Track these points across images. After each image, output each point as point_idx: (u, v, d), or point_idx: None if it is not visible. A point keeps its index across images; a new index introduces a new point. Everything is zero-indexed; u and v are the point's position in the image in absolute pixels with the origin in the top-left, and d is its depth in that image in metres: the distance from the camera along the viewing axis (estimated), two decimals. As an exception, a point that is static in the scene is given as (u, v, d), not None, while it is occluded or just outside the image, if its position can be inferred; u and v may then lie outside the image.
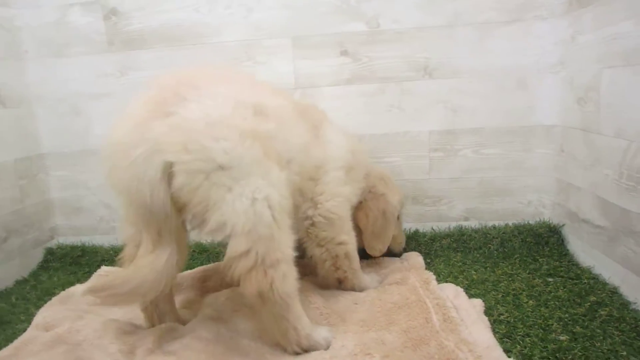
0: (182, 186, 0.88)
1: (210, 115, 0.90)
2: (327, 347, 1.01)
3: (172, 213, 0.92)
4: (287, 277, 0.95)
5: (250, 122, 0.94)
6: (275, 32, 1.58)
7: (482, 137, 1.58)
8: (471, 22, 1.52)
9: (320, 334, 1.02)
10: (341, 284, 1.28)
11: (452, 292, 1.16)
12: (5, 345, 1.19)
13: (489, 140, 1.58)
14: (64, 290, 1.49)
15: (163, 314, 1.13)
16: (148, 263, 0.94)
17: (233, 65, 1.60)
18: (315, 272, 1.30)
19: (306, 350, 1.00)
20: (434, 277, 1.26)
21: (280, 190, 0.95)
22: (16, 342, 1.12)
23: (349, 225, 1.26)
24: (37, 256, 1.71)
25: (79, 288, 1.39)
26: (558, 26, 1.47)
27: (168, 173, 0.89)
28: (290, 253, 0.97)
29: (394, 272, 1.34)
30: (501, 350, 0.92)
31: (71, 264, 1.69)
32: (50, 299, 1.44)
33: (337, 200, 1.22)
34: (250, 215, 0.90)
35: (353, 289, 1.28)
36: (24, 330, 1.26)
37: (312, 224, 1.21)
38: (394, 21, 1.54)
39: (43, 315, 1.24)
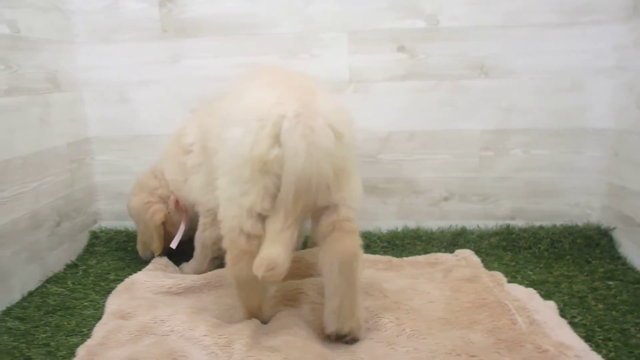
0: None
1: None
2: None
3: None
4: None
5: None
6: (332, 26, 1.56)
7: (533, 137, 1.59)
8: (528, 22, 1.51)
9: None
10: None
11: (526, 294, 1.18)
12: (79, 330, 1.21)
13: (539, 141, 1.58)
14: (116, 275, 1.50)
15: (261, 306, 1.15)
16: (288, 240, 0.99)
17: (287, 57, 1.56)
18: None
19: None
20: (504, 278, 1.25)
21: None
22: (100, 331, 1.13)
23: None
24: (83, 240, 1.70)
25: (140, 276, 1.39)
26: (617, 31, 1.47)
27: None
28: None
29: (456, 268, 1.36)
30: (598, 355, 0.91)
31: (117, 249, 1.70)
32: (106, 284, 1.46)
33: None
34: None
35: None
36: (94, 316, 1.28)
37: None
38: (453, 19, 1.52)
39: (116, 303, 1.25)
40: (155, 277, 1.40)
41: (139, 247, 1.60)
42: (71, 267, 1.59)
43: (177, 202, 1.50)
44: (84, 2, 1.61)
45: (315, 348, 1.04)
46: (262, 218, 1.02)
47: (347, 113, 1.06)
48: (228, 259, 1.07)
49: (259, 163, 0.97)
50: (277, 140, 0.96)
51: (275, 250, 0.97)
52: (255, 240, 1.03)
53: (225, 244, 1.08)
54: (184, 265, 1.51)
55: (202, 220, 1.44)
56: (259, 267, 0.96)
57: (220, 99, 1.26)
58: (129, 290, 1.33)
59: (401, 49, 1.56)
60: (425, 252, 1.56)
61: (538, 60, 1.53)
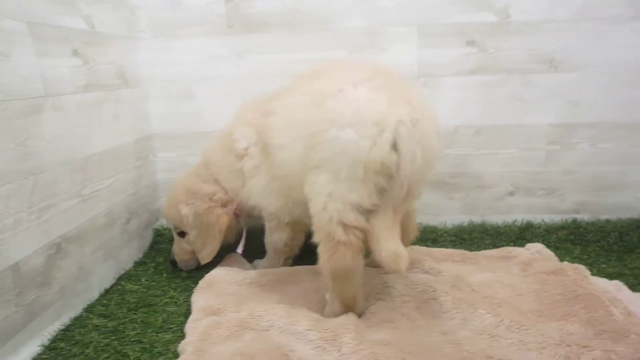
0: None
1: None
2: None
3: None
4: None
5: None
6: (401, 20, 1.56)
7: (600, 131, 1.60)
8: (598, 16, 1.52)
9: None
10: None
11: (612, 286, 1.17)
12: (168, 327, 1.21)
13: (606, 134, 1.60)
14: (188, 273, 1.49)
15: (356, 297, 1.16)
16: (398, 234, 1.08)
17: (355, 52, 1.55)
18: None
19: None
20: (587, 270, 1.26)
21: None
22: (196, 327, 1.12)
23: None
24: (148, 238, 1.69)
25: (220, 272, 1.38)
26: (689, 25, 1.45)
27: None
28: None
29: (535, 262, 1.36)
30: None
31: (182, 246, 1.67)
32: (181, 281, 1.46)
33: None
34: None
35: None
36: (177, 313, 1.28)
37: None
38: (523, 12, 1.53)
39: (203, 299, 1.25)
40: (234, 272, 1.40)
41: (180, 256, 1.52)
42: (140, 264, 1.58)
43: (235, 208, 1.48)
44: (150, -3, 1.60)
45: (423, 340, 1.05)
46: (364, 211, 1.06)
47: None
48: (322, 251, 1.09)
49: (375, 165, 1.02)
50: (393, 144, 1.02)
51: (398, 244, 1.05)
52: (355, 231, 1.07)
53: (318, 236, 1.10)
54: (258, 262, 1.51)
55: (267, 225, 1.44)
56: (392, 261, 1.03)
57: (270, 98, 1.30)
58: (212, 286, 1.33)
59: (470, 43, 1.56)
60: (494, 246, 1.56)
61: (607, 54, 1.53)
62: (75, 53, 1.27)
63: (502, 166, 1.64)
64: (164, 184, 1.77)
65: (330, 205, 1.07)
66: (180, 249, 1.52)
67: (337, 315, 1.15)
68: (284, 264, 1.45)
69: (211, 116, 1.68)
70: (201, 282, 1.34)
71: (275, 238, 1.43)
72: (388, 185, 1.04)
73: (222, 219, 1.45)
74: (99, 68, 1.39)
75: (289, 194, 1.28)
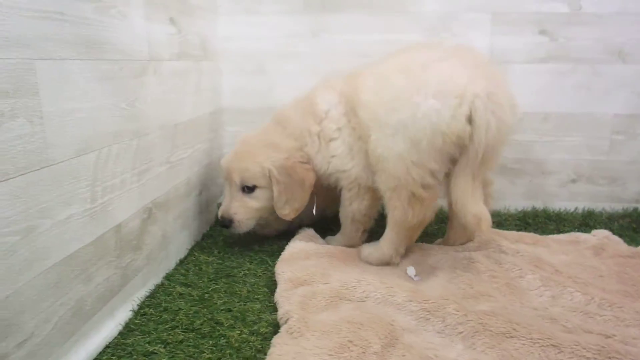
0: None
1: None
2: None
3: None
4: None
5: None
6: (476, 6, 1.58)
7: (665, 123, 1.61)
8: (670, 9, 1.53)
9: None
10: None
11: None
12: (254, 297, 1.21)
13: (671, 126, 1.61)
14: (260, 246, 1.50)
15: None
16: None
17: (430, 36, 1.56)
18: None
19: None
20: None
21: None
22: (290, 297, 1.12)
23: None
24: (213, 212, 1.68)
25: (299, 244, 1.39)
26: None
27: None
28: None
29: (608, 246, 1.39)
30: None
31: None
32: (254, 254, 1.46)
33: None
34: None
35: None
36: (258, 284, 1.28)
37: None
38: (596, 4, 1.56)
39: (289, 270, 1.25)
40: (313, 247, 1.40)
41: (241, 215, 1.41)
42: (208, 237, 1.58)
43: None
44: (230, -28, 1.59)
45: (523, 312, 1.06)
46: (438, 174, 1.21)
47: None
48: (404, 206, 1.23)
49: (452, 136, 1.14)
50: (469, 117, 1.13)
51: (481, 207, 1.18)
52: (431, 189, 1.22)
53: (399, 194, 1.23)
54: (330, 238, 1.51)
55: (347, 194, 1.43)
56: (475, 223, 1.16)
57: (357, 70, 1.33)
58: (295, 259, 1.33)
59: (543, 32, 1.58)
60: (559, 231, 1.59)
61: (675, 47, 1.57)
62: (171, 20, 1.26)
63: (565, 153, 1.67)
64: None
65: (413, 170, 1.20)
66: (243, 207, 1.42)
67: (384, 258, 1.30)
68: (362, 237, 1.46)
69: (282, 93, 1.67)
70: (283, 255, 1.34)
71: (354, 207, 1.42)
72: (462, 154, 1.16)
73: (310, 174, 1.41)
74: (189, 38, 1.39)
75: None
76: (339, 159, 1.39)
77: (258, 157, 1.39)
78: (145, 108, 1.13)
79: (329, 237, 1.52)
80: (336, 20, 1.61)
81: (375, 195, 1.41)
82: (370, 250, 1.34)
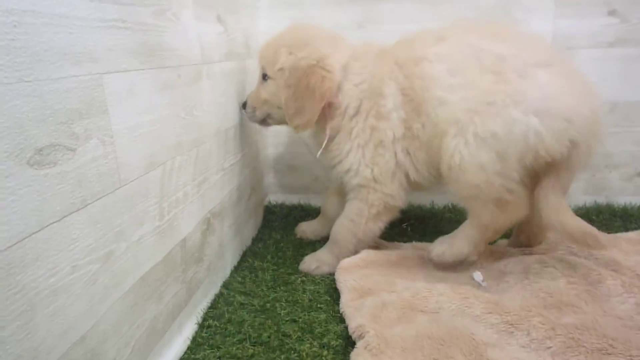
0: None
1: None
2: None
3: None
4: None
5: None
6: (538, -13, 1.45)
7: None
8: None
9: None
10: None
11: None
12: (317, 306, 1.17)
13: None
14: (313, 250, 1.43)
15: None
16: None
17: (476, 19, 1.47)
18: None
19: None
20: None
21: None
22: (360, 308, 1.08)
23: None
24: (260, 214, 1.64)
25: (369, 253, 1.31)
26: None
27: None
28: None
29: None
30: None
31: (296, 223, 1.61)
32: (301, 258, 1.39)
33: None
34: None
35: None
36: (319, 292, 1.23)
37: None
38: (673, -20, 1.41)
39: (352, 278, 1.20)
40: (373, 254, 1.31)
41: (252, 100, 1.30)
42: (258, 241, 1.54)
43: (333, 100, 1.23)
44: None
45: (615, 324, 1.00)
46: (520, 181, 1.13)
47: None
48: (494, 208, 1.14)
49: (548, 157, 1.06)
50: (574, 140, 1.05)
51: (582, 222, 1.14)
52: (515, 194, 1.13)
53: (486, 200, 1.14)
54: (313, 258, 1.34)
55: (364, 210, 1.26)
56: (584, 238, 1.12)
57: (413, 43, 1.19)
58: (354, 266, 1.26)
59: (612, 12, 1.47)
60: (626, 229, 1.50)
61: None
62: (219, 19, 1.20)
63: (633, 145, 1.56)
64: (274, 159, 1.72)
65: (495, 180, 1.11)
66: (256, 93, 1.31)
67: (460, 256, 1.22)
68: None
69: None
70: (342, 263, 1.27)
71: (368, 227, 1.28)
72: (552, 170, 1.10)
73: (326, 84, 1.18)
74: (235, 36, 1.32)
75: (436, 164, 1.19)
76: (378, 170, 1.22)
77: (282, 47, 1.23)
78: (202, 115, 1.08)
79: (307, 259, 1.34)
80: (383, 9, 1.52)
81: (392, 216, 1.30)
82: (443, 248, 1.23)
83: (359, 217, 1.27)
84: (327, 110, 1.23)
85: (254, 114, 1.32)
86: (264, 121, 1.34)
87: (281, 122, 1.31)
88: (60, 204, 0.64)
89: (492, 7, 1.49)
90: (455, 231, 1.24)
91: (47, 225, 0.62)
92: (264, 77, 1.29)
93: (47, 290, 0.62)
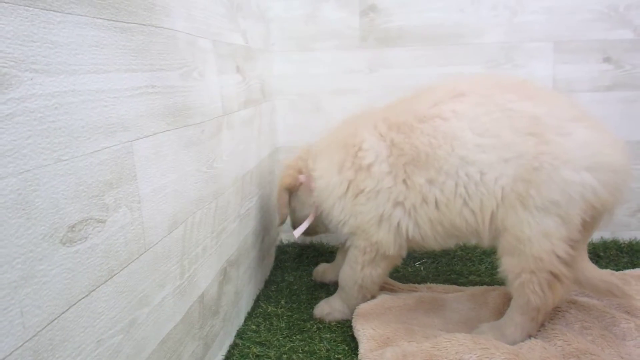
0: None
1: None
2: None
3: None
4: None
5: None
6: (537, 36, 1.49)
7: None
8: None
9: None
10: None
11: None
12: (335, 356, 1.12)
13: None
14: (327, 293, 1.39)
15: None
16: None
17: (491, 67, 1.47)
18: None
19: None
20: None
21: None
22: (380, 358, 1.03)
23: None
24: (272, 255, 1.59)
25: (386, 299, 1.27)
26: None
27: None
28: None
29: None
30: None
31: (308, 264, 1.58)
32: (315, 302, 1.35)
33: None
34: None
35: None
36: (336, 340, 1.19)
37: None
38: (664, 29, 1.43)
39: (370, 327, 1.15)
40: (386, 297, 1.29)
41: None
42: (271, 283, 1.49)
43: (308, 179, 1.28)
44: (284, 10, 1.52)
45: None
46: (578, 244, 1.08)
47: None
48: (546, 289, 1.07)
49: (602, 209, 1.05)
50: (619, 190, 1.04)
51: (604, 272, 1.20)
52: (570, 266, 1.07)
53: (541, 277, 1.06)
54: (325, 305, 1.30)
55: (359, 257, 1.22)
56: (609, 289, 1.13)
57: (411, 103, 1.15)
58: (372, 313, 1.22)
59: (607, 59, 1.49)
60: (633, 265, 1.48)
61: None
62: (238, 69, 1.18)
63: (635, 181, 1.55)
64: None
65: (558, 246, 1.05)
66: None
67: (522, 339, 1.10)
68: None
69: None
70: (358, 309, 1.23)
71: (366, 273, 1.23)
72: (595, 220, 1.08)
73: (285, 179, 1.30)
74: (252, 83, 1.31)
75: (447, 223, 1.11)
76: (367, 223, 1.17)
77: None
78: (222, 166, 1.05)
79: (321, 304, 1.31)
80: (394, 54, 1.53)
81: (391, 264, 1.25)
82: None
83: (355, 263, 1.24)
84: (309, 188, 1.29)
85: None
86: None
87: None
88: (89, 279, 0.60)
89: (495, 53, 1.50)
90: (503, 320, 1.14)
91: (75, 303, 0.58)
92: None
93: (75, 373, 0.57)
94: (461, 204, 1.09)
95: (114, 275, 0.65)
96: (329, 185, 1.21)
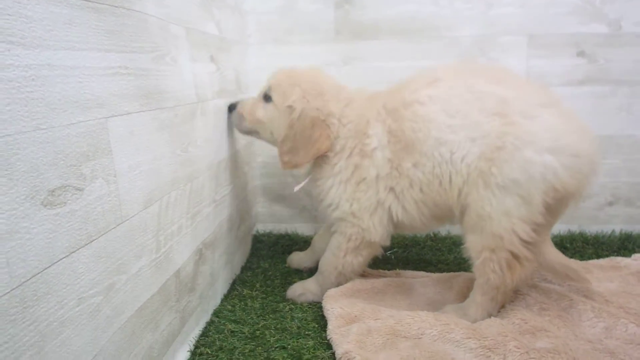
0: None
1: None
2: None
3: None
4: None
5: None
6: (511, 29, 1.61)
7: None
8: None
9: None
10: None
11: None
12: (305, 333, 1.24)
13: None
14: (300, 278, 1.52)
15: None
16: None
17: (465, 60, 1.60)
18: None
19: None
20: None
21: None
22: (346, 335, 1.15)
23: None
24: (249, 244, 1.71)
25: (355, 282, 1.39)
26: None
27: None
28: None
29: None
30: None
31: (283, 252, 1.71)
32: (288, 287, 1.47)
33: None
34: None
35: None
36: (306, 319, 1.31)
37: None
38: (637, 24, 1.58)
39: (339, 305, 1.27)
40: (358, 282, 1.40)
41: (244, 109, 1.37)
42: (247, 269, 1.61)
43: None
44: (260, 2, 1.63)
45: (584, 347, 1.09)
46: (540, 228, 1.16)
47: None
48: (505, 268, 1.17)
49: (563, 192, 1.11)
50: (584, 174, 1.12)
51: (565, 257, 1.29)
52: (532, 247, 1.17)
53: (500, 256, 1.16)
54: (299, 287, 1.42)
55: (343, 244, 1.33)
56: (567, 273, 1.26)
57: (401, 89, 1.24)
58: (341, 295, 1.34)
59: (581, 53, 1.62)
60: (598, 256, 1.62)
61: None
62: (212, 59, 1.30)
63: (603, 176, 1.69)
64: (262, 189, 1.81)
65: (519, 226, 1.14)
66: (252, 106, 1.37)
67: (483, 318, 1.22)
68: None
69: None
70: (329, 291, 1.35)
71: (347, 260, 1.34)
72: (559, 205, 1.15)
73: (325, 142, 1.28)
74: (226, 74, 1.43)
75: (430, 203, 1.24)
76: (362, 210, 1.28)
77: (296, 86, 1.31)
78: (196, 151, 1.17)
79: (295, 286, 1.43)
80: (368, 47, 1.65)
81: (373, 253, 1.35)
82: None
83: (338, 250, 1.34)
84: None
85: (241, 124, 1.39)
86: (248, 132, 1.41)
87: (265, 140, 1.40)
88: (69, 240, 0.72)
89: (469, 47, 1.63)
90: (466, 301, 1.26)
91: (57, 261, 0.69)
92: (267, 98, 1.35)
93: (56, 322, 0.69)
94: (437, 184, 1.21)
95: (93, 240, 0.77)
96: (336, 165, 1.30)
